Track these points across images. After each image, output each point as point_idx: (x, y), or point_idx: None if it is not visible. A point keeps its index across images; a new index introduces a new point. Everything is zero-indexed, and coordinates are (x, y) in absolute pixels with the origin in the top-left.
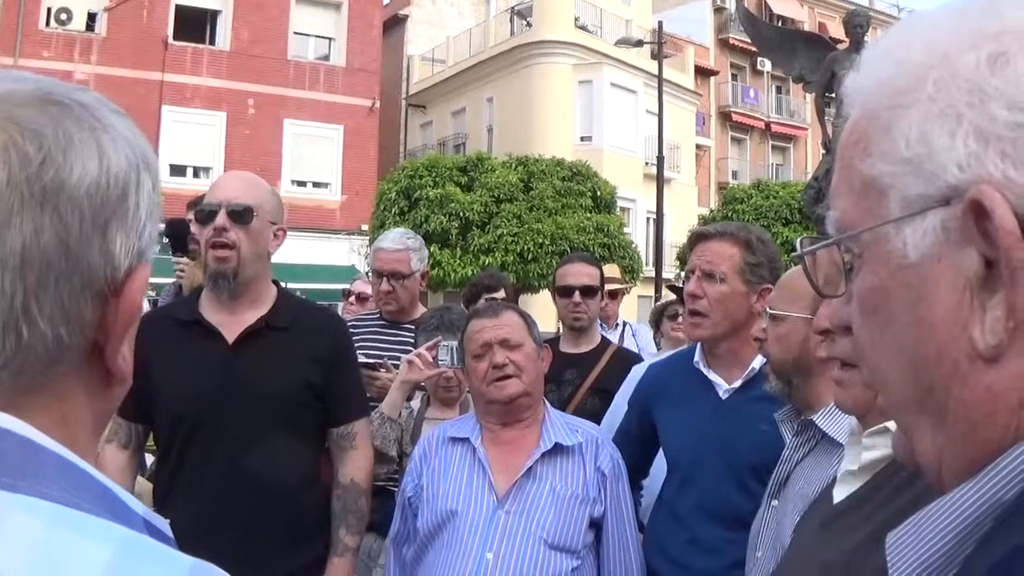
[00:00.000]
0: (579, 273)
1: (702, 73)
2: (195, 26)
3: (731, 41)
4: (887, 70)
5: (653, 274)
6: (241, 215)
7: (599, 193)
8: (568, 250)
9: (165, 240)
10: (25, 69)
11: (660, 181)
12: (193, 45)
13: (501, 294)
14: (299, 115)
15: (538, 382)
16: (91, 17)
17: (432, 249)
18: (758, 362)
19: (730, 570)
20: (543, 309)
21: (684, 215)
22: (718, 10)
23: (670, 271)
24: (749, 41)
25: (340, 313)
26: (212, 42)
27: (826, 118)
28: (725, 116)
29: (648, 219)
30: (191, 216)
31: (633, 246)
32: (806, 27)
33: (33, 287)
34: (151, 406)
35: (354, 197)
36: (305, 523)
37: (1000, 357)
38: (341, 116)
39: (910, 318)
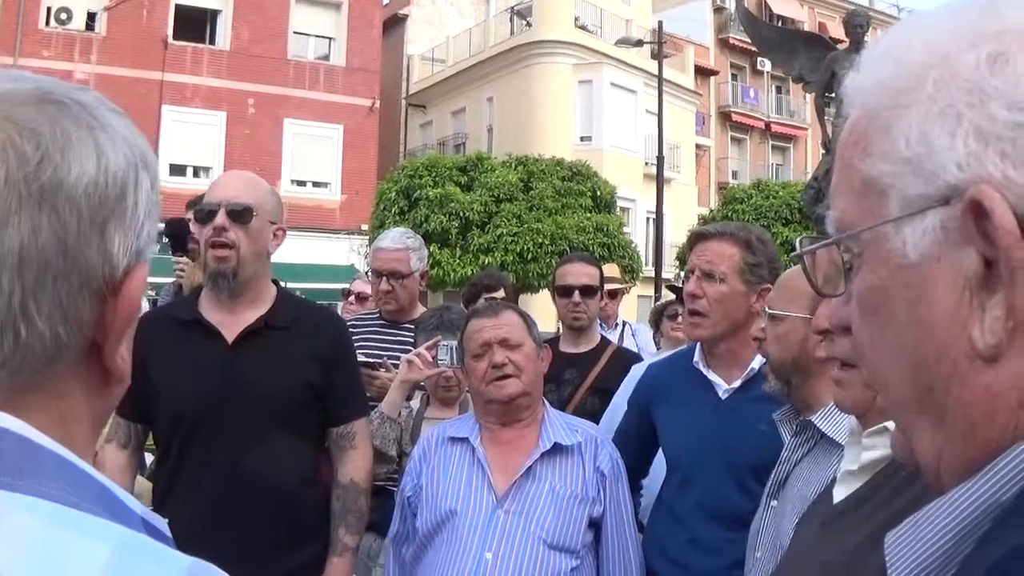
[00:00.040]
0: (579, 273)
1: (702, 73)
2: (195, 26)
3: (731, 41)
4: (887, 70)
5: (653, 274)
6: (240, 215)
7: (599, 193)
8: (568, 250)
9: (165, 240)
10: (25, 68)
11: (660, 181)
12: (193, 45)
13: (501, 294)
14: (299, 115)
15: (537, 382)
16: (91, 16)
17: (432, 249)
18: (757, 362)
19: (730, 570)
20: (543, 309)
21: (684, 215)
22: (718, 10)
23: (670, 271)
24: (749, 41)
25: (340, 313)
26: (212, 42)
27: (826, 118)
28: (725, 116)
29: (648, 219)
30: (190, 216)
31: (633, 246)
32: (806, 27)
33: (31, 286)
34: (151, 406)
35: (354, 197)
36: (304, 523)
37: (999, 357)
38: (341, 116)
39: (909, 318)
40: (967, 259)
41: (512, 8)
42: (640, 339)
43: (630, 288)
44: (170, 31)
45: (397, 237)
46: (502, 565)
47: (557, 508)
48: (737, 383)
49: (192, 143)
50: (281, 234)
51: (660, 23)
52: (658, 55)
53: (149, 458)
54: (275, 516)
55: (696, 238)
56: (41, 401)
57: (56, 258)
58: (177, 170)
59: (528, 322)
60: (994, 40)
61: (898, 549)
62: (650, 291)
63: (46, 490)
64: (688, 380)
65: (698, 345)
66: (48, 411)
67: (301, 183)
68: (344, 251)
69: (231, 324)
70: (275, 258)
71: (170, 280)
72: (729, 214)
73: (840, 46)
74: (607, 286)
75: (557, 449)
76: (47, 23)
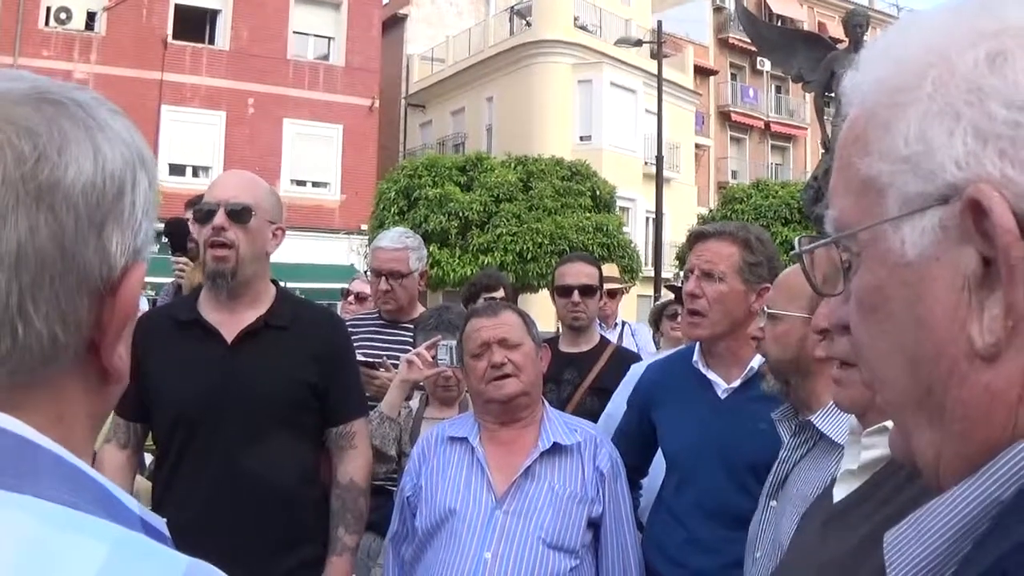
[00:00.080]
0: (578, 273)
1: (701, 73)
2: (194, 25)
3: (730, 41)
4: (886, 69)
5: (652, 274)
6: (240, 214)
7: (598, 193)
8: (567, 250)
9: (164, 240)
10: (24, 68)
11: (659, 181)
12: (192, 44)
13: (500, 293)
14: (298, 114)
15: (537, 381)
16: (90, 16)
17: (431, 248)
18: (757, 361)
19: (729, 569)
20: (542, 309)
21: (683, 215)
22: (717, 10)
23: (669, 271)
24: (748, 41)
25: (339, 312)
26: (212, 41)
27: (825, 117)
28: (724, 116)
29: (647, 219)
30: (190, 215)
31: (632, 246)
32: (806, 27)
33: (28, 286)
34: (150, 405)
35: (353, 196)
36: (304, 522)
37: (998, 356)
38: (340, 115)
39: (908, 317)
40: (966, 258)
41: (511, 8)
42: (639, 339)
43: (629, 288)
44: (170, 31)
45: (396, 237)
46: (501, 565)
47: (556, 508)
48: (736, 382)
49: (191, 143)
50: (280, 234)
51: (659, 23)
52: (657, 55)
53: (149, 458)
54: (274, 516)
55: (695, 238)
56: (39, 401)
57: (53, 258)
58: (176, 170)
59: (527, 322)
60: (993, 39)
61: (897, 548)
62: (649, 291)
63: (44, 490)
64: (687, 380)
65: (697, 344)
66: (46, 411)
67: (300, 183)
68: (343, 251)
69: (230, 324)
70: (274, 258)
71: (169, 280)
72: (728, 214)
73: (839, 46)
74: (606, 286)
75: (556, 449)
76: (47, 23)
